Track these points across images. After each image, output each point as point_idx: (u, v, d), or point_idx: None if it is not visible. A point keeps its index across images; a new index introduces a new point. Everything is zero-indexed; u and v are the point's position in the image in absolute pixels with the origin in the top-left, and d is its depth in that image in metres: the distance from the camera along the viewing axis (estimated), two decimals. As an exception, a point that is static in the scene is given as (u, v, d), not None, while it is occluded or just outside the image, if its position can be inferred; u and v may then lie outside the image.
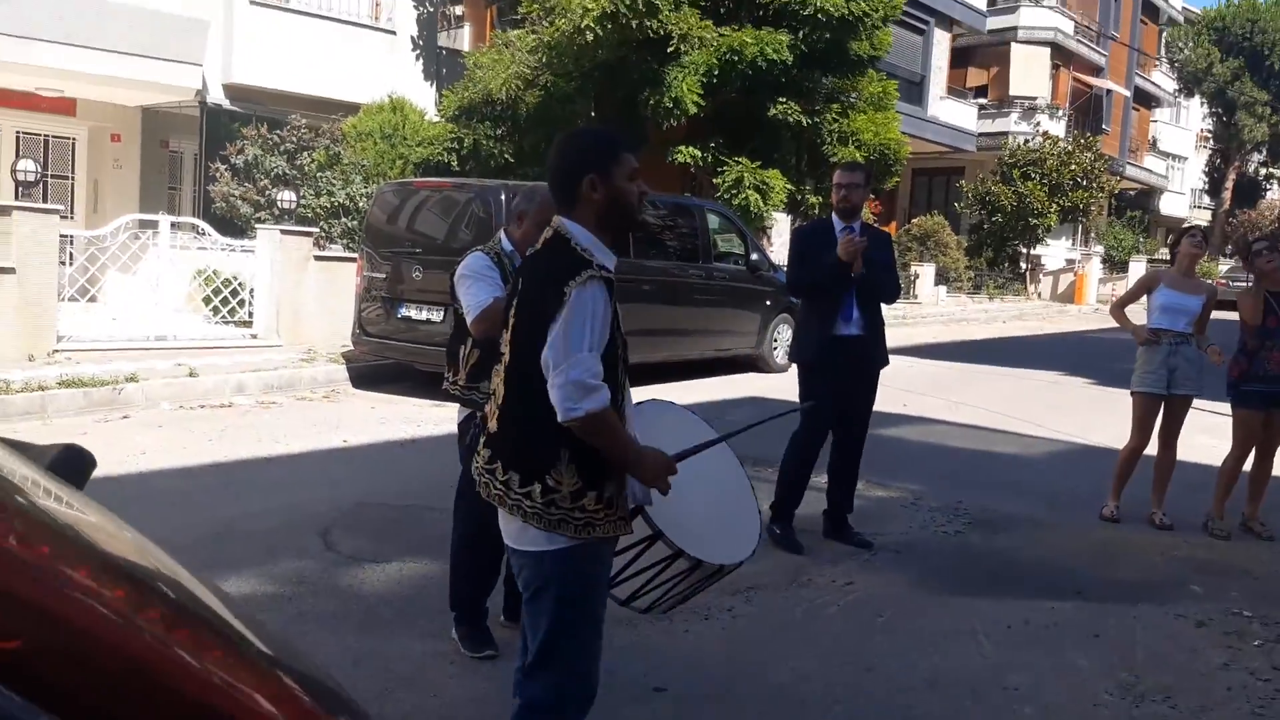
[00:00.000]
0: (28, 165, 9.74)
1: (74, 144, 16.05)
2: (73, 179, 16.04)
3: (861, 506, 6.44)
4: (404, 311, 9.67)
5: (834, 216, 5.68)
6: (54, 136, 15.83)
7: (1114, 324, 6.82)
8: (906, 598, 4.93)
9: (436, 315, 9.25)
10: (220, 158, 14.63)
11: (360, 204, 13.44)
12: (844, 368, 5.61)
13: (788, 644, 4.35)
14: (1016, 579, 5.33)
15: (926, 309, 23.51)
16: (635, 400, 3.42)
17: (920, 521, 6.28)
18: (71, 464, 1.62)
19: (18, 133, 15.40)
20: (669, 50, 14.04)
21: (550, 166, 2.79)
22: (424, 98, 17.44)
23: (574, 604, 2.66)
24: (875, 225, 5.97)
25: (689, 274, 11.64)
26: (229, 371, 9.87)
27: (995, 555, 5.70)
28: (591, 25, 13.14)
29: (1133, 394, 6.51)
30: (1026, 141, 29.54)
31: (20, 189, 9.71)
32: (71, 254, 10.99)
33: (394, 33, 17.65)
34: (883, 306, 5.78)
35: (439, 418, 8.52)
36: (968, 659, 4.25)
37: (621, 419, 2.64)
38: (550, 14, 13.86)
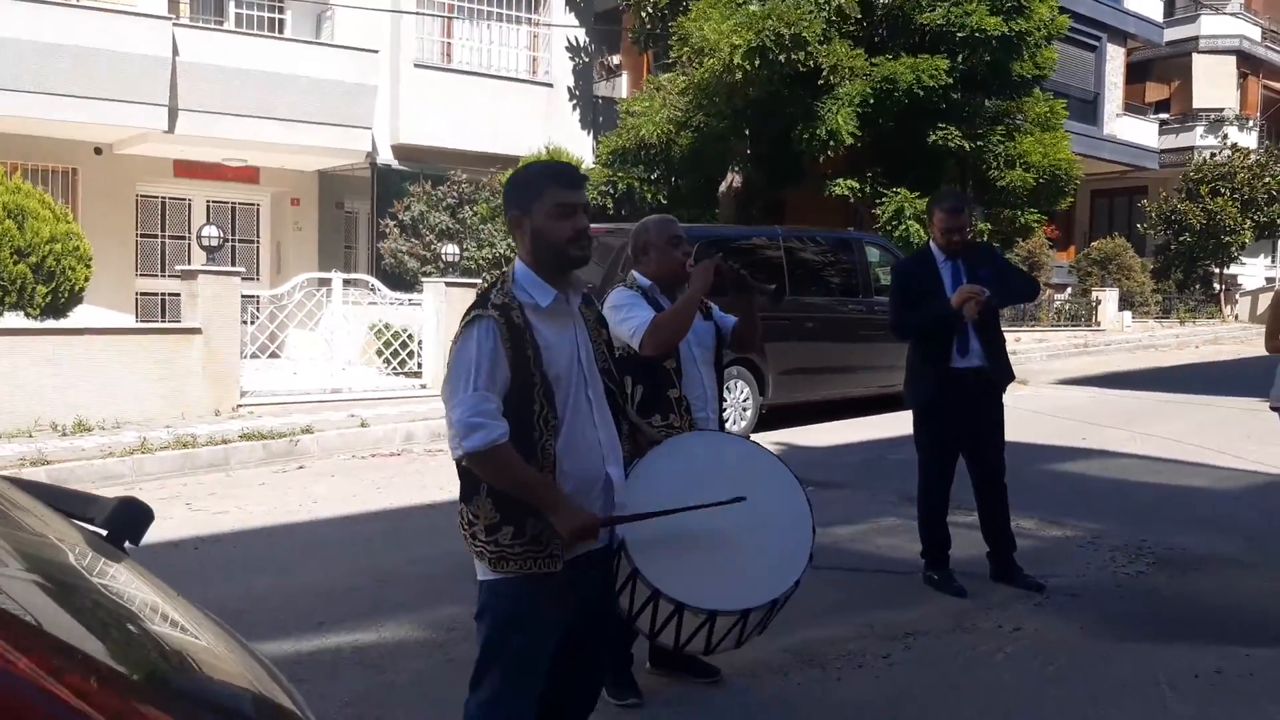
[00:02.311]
0: (210, 231, 10.35)
1: (258, 210, 17.05)
2: (258, 243, 17.02)
3: (1034, 547, 6.09)
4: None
5: (933, 246, 5.41)
6: (240, 204, 16.85)
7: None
8: (1081, 645, 4.58)
9: (592, 359, 9.32)
10: (389, 215, 15.28)
11: (521, 254, 13.75)
12: (965, 404, 5.29)
13: (948, 694, 4.09)
14: (1207, 624, 4.88)
15: (1111, 335, 22.34)
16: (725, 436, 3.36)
17: (1099, 562, 5.86)
18: (127, 519, 1.65)
19: (208, 202, 16.46)
20: (820, 83, 13.87)
21: None
22: (581, 147, 17.77)
23: (499, 635, 2.68)
24: (975, 240, 5.63)
25: (850, 309, 11.41)
26: (398, 421, 10.18)
27: (1183, 598, 5.26)
28: (740, 62, 13.10)
29: (1275, 409, 6.18)
30: (1213, 155, 27.90)
31: (207, 254, 10.32)
32: (255, 314, 11.62)
33: (551, 85, 18.09)
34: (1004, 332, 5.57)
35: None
36: (1150, 713, 3.89)
37: (536, 456, 2.60)
38: (700, 55, 13.91)
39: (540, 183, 2.70)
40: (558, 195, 2.67)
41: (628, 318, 3.79)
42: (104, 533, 1.66)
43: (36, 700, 0.95)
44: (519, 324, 2.58)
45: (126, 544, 1.68)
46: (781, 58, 13.19)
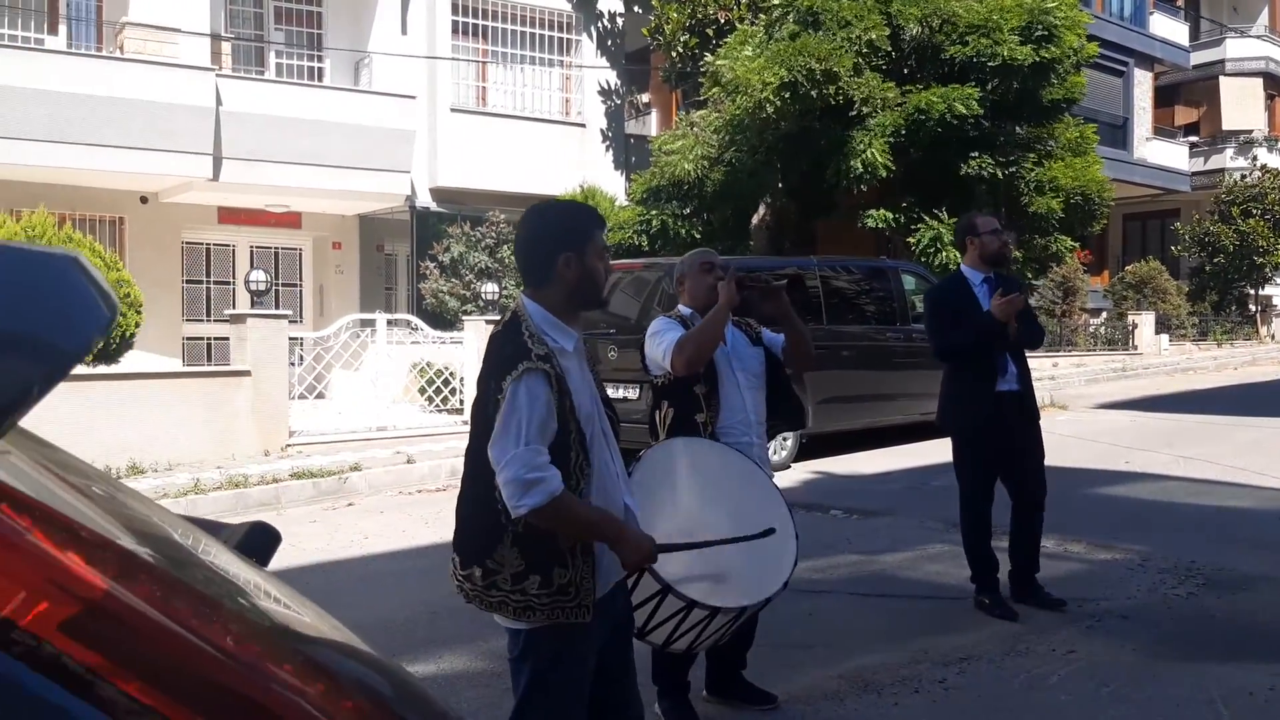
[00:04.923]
0: (258, 276, 10.60)
1: (300, 254, 17.35)
2: (301, 286, 17.30)
3: (1084, 570, 6.15)
4: (602, 391, 9.89)
5: (965, 269, 5.51)
6: (283, 248, 17.16)
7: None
8: (1135, 665, 4.62)
9: (633, 393, 9.44)
10: (429, 256, 15.53)
11: (558, 290, 13.93)
12: (1006, 428, 5.35)
13: (1006, 718, 4.14)
14: (1259, 642, 4.91)
15: (1148, 359, 22.21)
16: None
17: (1149, 584, 5.88)
18: (258, 541, 1.76)
19: (252, 247, 16.78)
20: (852, 115, 14.02)
21: (522, 240, 2.79)
22: (614, 184, 18.00)
23: (541, 675, 2.66)
24: (1006, 273, 5.69)
25: (888, 337, 11.47)
26: (443, 457, 10.33)
27: (1234, 617, 5.28)
28: (772, 98, 13.27)
29: None
30: (1244, 177, 27.80)
31: (254, 298, 10.56)
32: (301, 355, 11.84)
33: (584, 125, 18.35)
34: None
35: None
36: (1208, 731, 3.94)
37: (588, 494, 2.63)
38: (732, 92, 14.11)
39: (589, 224, 2.76)
40: (600, 237, 2.76)
41: (660, 341, 3.98)
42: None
43: (185, 645, 1.02)
44: (559, 373, 2.58)
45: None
46: (813, 92, 13.34)
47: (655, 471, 3.36)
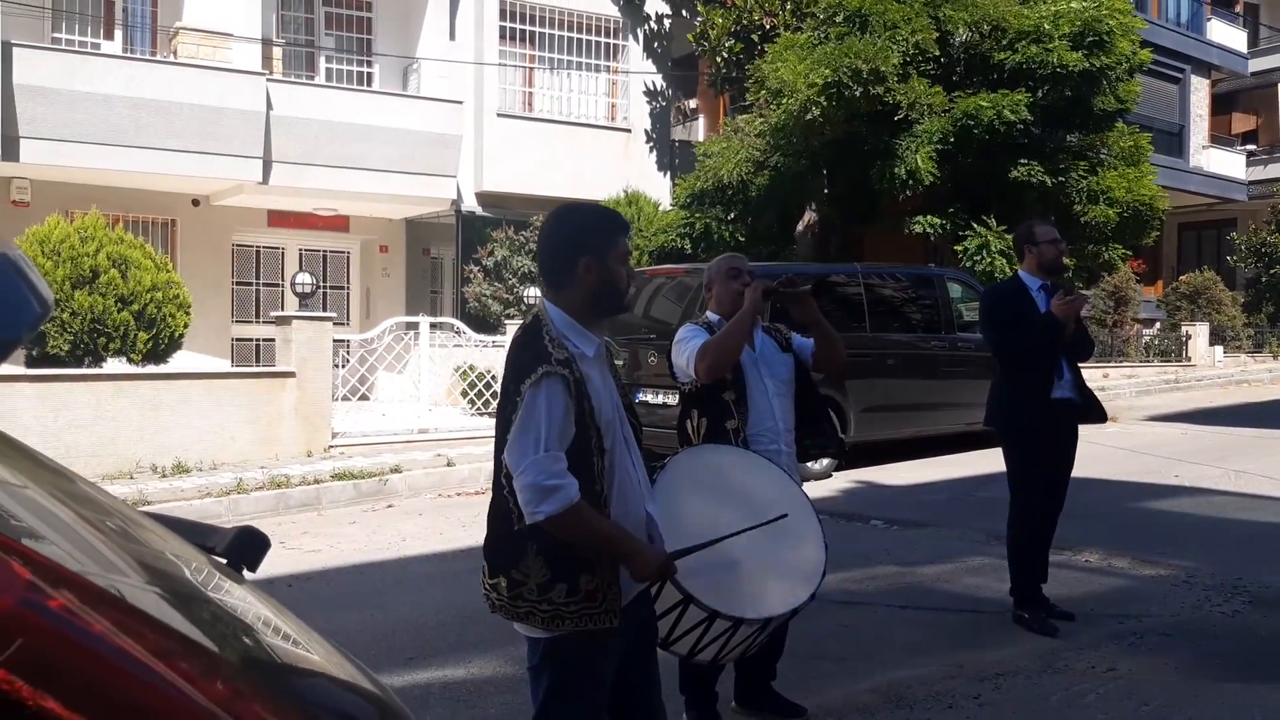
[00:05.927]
0: (304, 278, 10.71)
1: (348, 257, 17.53)
2: (348, 289, 17.49)
3: (1127, 585, 6.03)
4: (641, 396, 9.87)
5: (1023, 275, 5.46)
6: (331, 251, 17.35)
7: None
8: (1177, 684, 4.51)
9: (672, 399, 9.39)
10: (473, 260, 15.62)
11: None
12: (1056, 434, 5.30)
13: (1040, 734, 4.06)
14: (1308, 665, 4.77)
15: (1202, 371, 21.78)
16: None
17: (1194, 601, 5.74)
18: (246, 546, 1.76)
19: (300, 250, 16.98)
20: (898, 120, 13.89)
21: (543, 242, 2.75)
22: (659, 189, 17.98)
23: (562, 686, 2.63)
24: (1059, 281, 5.65)
25: (932, 346, 11.34)
26: (483, 460, 10.35)
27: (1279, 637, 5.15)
28: (815, 98, 13.20)
29: None
30: (1302, 186, 27.23)
31: (300, 300, 10.67)
32: (346, 357, 11.94)
33: (629, 130, 18.36)
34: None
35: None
36: (1250, 754, 3.83)
37: (598, 508, 2.58)
38: (777, 96, 14.05)
39: (612, 229, 2.73)
40: (623, 243, 2.72)
41: (684, 348, 3.97)
42: (223, 561, 1.76)
43: (167, 693, 1.02)
44: (578, 378, 2.55)
45: (245, 571, 1.79)
46: (858, 92, 13.23)
47: (679, 479, 3.32)
